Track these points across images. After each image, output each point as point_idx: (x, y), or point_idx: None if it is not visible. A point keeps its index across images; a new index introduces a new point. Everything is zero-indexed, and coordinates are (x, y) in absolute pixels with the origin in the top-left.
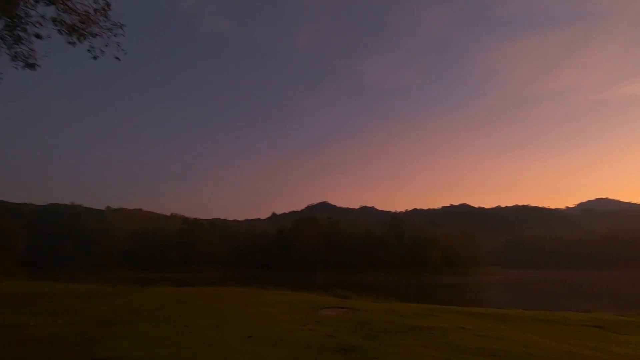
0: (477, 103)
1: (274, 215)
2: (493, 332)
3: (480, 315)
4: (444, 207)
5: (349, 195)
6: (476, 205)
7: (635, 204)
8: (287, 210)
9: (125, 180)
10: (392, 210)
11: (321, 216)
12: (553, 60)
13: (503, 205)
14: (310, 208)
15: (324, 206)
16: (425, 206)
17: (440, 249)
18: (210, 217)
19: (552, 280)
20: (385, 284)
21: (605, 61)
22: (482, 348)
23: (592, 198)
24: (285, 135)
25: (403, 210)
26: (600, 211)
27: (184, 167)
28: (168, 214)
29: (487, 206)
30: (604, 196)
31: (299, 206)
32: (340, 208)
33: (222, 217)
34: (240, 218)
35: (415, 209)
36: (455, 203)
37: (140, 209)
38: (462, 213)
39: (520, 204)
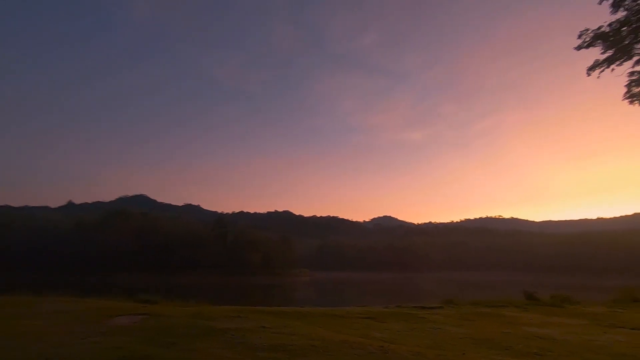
0: (310, 122)
1: (70, 204)
2: (289, 328)
3: (283, 313)
4: (269, 212)
5: (172, 191)
6: (297, 213)
7: (407, 222)
8: (89, 200)
9: None
10: (219, 210)
11: (137, 210)
12: (369, 101)
13: (318, 215)
14: (124, 200)
15: (141, 200)
16: (252, 209)
17: (260, 252)
18: None
19: (349, 280)
20: (203, 286)
21: (402, 110)
22: (276, 344)
23: (381, 215)
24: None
25: (230, 211)
26: (385, 226)
27: None
28: None
29: (305, 214)
30: (388, 214)
31: (108, 196)
32: (162, 203)
33: None
34: (15, 204)
35: (242, 212)
36: (280, 209)
37: None
38: (285, 219)
39: (332, 214)
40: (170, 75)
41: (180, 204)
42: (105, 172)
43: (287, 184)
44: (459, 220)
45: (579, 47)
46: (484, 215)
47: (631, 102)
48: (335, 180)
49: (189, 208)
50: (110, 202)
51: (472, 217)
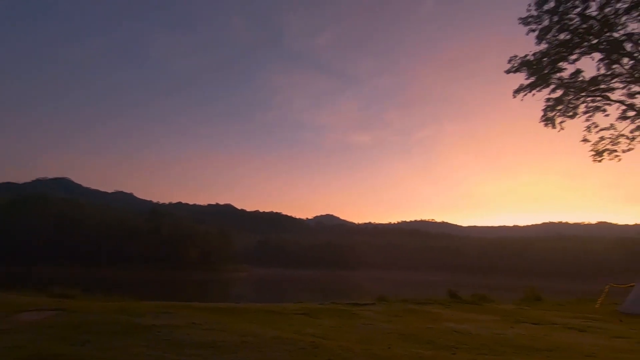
0: (259, 117)
1: None
2: (221, 325)
3: (217, 310)
4: (210, 205)
5: (102, 176)
6: (239, 207)
7: (348, 221)
8: None
9: None
10: (154, 200)
11: (57, 195)
12: (320, 100)
13: (261, 210)
14: (42, 182)
15: (64, 183)
16: (191, 201)
17: (198, 246)
18: None
19: (288, 277)
20: (133, 280)
21: (350, 112)
22: (205, 341)
23: (324, 213)
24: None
25: (166, 202)
26: (327, 224)
27: None
28: None
29: (248, 209)
30: (330, 213)
31: (21, 178)
32: (88, 189)
33: None
34: None
35: (180, 203)
36: (222, 202)
37: None
38: (226, 213)
39: (275, 210)
40: (113, 57)
41: (110, 190)
42: (21, 152)
43: (230, 177)
44: (396, 222)
45: (508, 71)
46: (418, 218)
47: (546, 125)
48: (280, 177)
49: (120, 196)
50: (25, 183)
51: (408, 220)
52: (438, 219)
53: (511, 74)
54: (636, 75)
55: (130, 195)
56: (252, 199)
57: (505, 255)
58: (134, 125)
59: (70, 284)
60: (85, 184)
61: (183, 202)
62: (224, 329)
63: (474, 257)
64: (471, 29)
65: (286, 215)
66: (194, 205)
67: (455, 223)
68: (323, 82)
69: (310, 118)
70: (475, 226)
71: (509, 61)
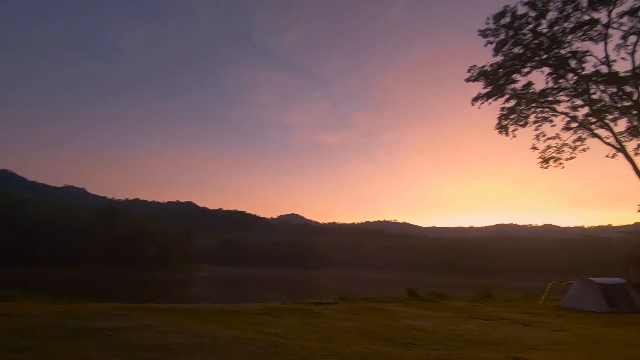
0: (223, 113)
1: None
2: (178, 326)
3: (174, 311)
4: (169, 202)
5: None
6: (201, 205)
7: (313, 220)
8: None
9: None
10: (109, 196)
11: None
12: (287, 99)
13: (225, 208)
14: None
15: (5, 176)
16: (149, 198)
17: (156, 244)
18: None
19: (251, 276)
20: (84, 281)
21: (318, 113)
22: (160, 343)
23: (288, 213)
24: None
25: (123, 198)
26: (291, 223)
27: None
28: None
29: (210, 207)
30: (295, 212)
31: None
32: (34, 183)
33: None
34: None
35: (137, 199)
36: (182, 200)
37: None
38: (187, 210)
39: (238, 209)
40: (72, 47)
41: (58, 185)
42: None
43: (193, 174)
44: (360, 222)
45: (467, 80)
46: (381, 219)
47: (500, 132)
48: (245, 175)
49: (70, 191)
50: None
51: (371, 220)
52: (400, 220)
53: (470, 83)
54: (579, 90)
55: (82, 190)
56: (215, 197)
57: (461, 255)
58: (91, 119)
59: (10, 285)
60: (30, 177)
61: (141, 198)
62: (181, 330)
63: (433, 257)
64: (436, 37)
65: (250, 214)
66: (153, 202)
67: (416, 224)
68: (291, 81)
69: (278, 116)
70: (434, 227)
71: (469, 70)
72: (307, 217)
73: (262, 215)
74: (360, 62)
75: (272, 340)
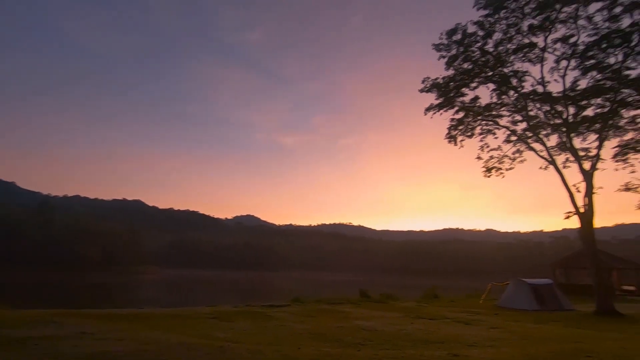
0: (179, 108)
1: None
2: (118, 333)
3: (115, 317)
4: (115, 200)
5: None
6: (150, 204)
7: (269, 222)
8: None
9: None
10: (44, 192)
11: None
12: (247, 98)
13: (176, 208)
14: None
15: None
16: (92, 195)
17: (100, 244)
18: None
19: (203, 279)
20: (13, 284)
21: (278, 113)
22: (96, 352)
23: (244, 214)
24: None
25: (60, 194)
26: (247, 225)
27: None
28: None
29: (161, 206)
30: (251, 213)
31: None
32: None
33: None
34: None
35: (78, 196)
36: (130, 198)
37: None
38: (135, 209)
39: (191, 209)
40: (12, 33)
41: None
42: None
43: (143, 171)
44: (316, 224)
45: (421, 90)
46: (337, 221)
47: (449, 141)
48: (200, 173)
49: None
50: None
51: (327, 222)
52: (355, 223)
53: (424, 93)
54: (519, 106)
55: (12, 184)
56: (167, 196)
57: (412, 257)
58: (32, 111)
59: None
60: None
61: (82, 195)
62: (122, 337)
63: (386, 259)
64: (395, 47)
65: (204, 214)
66: (96, 200)
67: (370, 227)
68: (252, 80)
69: (237, 115)
70: (387, 230)
71: (423, 81)
72: (263, 218)
73: (216, 216)
74: (323, 66)
75: (220, 345)
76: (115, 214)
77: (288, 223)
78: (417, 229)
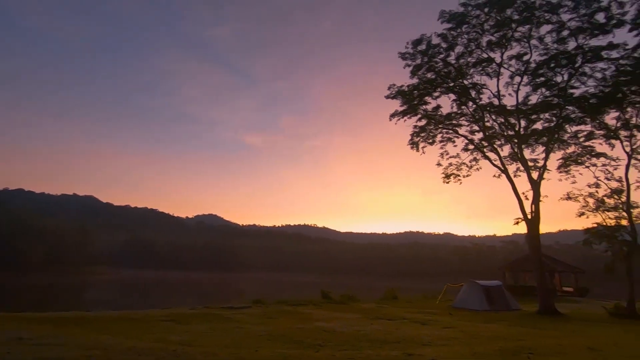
0: (140, 101)
1: None
2: (60, 338)
3: (59, 320)
4: (64, 195)
5: None
6: (104, 200)
7: (232, 222)
8: None
9: None
10: None
11: None
12: (213, 94)
13: (133, 205)
14: None
15: None
16: (37, 189)
17: (45, 242)
18: None
19: (160, 280)
20: None
21: (245, 112)
22: (34, 359)
23: (206, 213)
24: None
25: (1, 188)
26: (208, 224)
27: None
28: None
29: (116, 203)
30: (213, 212)
31: None
32: None
33: None
34: None
35: (21, 190)
36: (81, 193)
37: None
38: (86, 205)
39: (149, 206)
40: None
41: None
42: None
43: (98, 166)
44: (280, 225)
45: (387, 97)
46: (302, 223)
47: (412, 147)
48: (160, 170)
49: None
50: None
51: (292, 223)
52: (320, 224)
53: (390, 99)
54: (476, 117)
55: None
56: (123, 192)
57: (374, 259)
58: None
59: None
60: None
61: (26, 189)
62: (64, 343)
63: (349, 261)
64: (364, 52)
65: (162, 213)
66: (42, 194)
67: (334, 229)
68: (219, 77)
69: (202, 112)
70: (351, 232)
71: (389, 88)
72: (226, 218)
73: (176, 215)
74: (291, 67)
75: (174, 349)
76: (64, 210)
77: (252, 223)
78: (380, 232)
